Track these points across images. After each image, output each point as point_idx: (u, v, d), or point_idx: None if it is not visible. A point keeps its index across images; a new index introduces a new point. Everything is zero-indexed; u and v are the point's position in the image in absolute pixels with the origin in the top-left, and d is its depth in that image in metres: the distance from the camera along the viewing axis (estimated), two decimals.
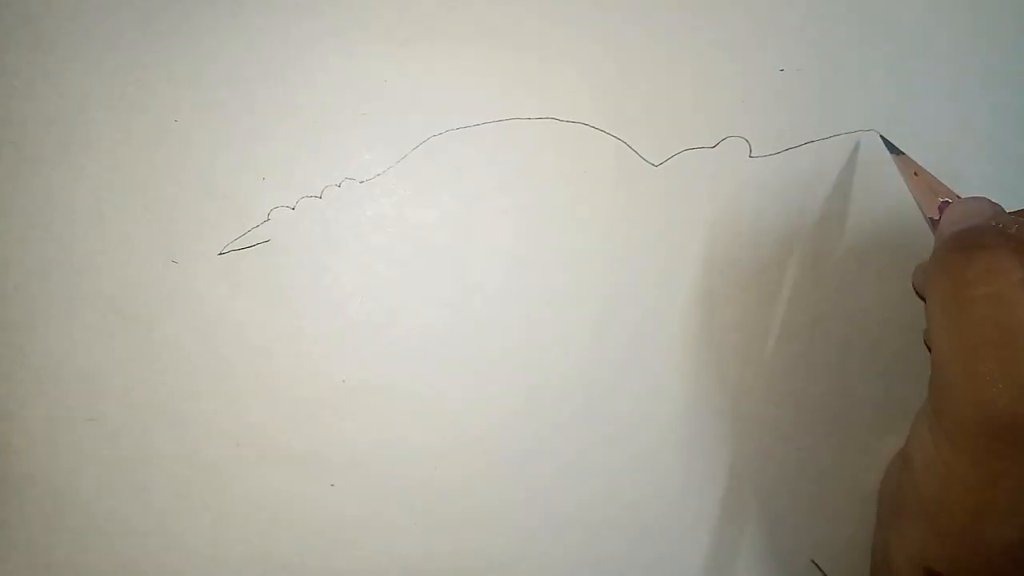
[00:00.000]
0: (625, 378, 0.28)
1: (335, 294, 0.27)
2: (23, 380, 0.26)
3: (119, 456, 0.27)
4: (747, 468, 0.29)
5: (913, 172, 0.27)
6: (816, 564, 0.28)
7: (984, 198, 0.24)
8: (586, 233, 0.28)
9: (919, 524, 0.24)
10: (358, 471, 0.27)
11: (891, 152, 0.28)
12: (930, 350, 0.23)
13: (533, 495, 0.28)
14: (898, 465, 0.26)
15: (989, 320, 0.21)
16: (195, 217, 0.27)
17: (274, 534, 0.27)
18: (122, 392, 0.27)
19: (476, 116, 0.27)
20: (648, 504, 0.29)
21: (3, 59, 0.26)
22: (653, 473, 0.29)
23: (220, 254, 0.27)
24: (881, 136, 0.28)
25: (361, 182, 0.27)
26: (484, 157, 0.27)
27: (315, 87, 0.27)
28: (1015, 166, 0.29)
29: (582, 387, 0.28)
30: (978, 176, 0.29)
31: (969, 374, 0.22)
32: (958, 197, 0.26)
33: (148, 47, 0.26)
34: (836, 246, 0.29)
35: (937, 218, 0.25)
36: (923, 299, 0.24)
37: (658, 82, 0.28)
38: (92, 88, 0.26)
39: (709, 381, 0.28)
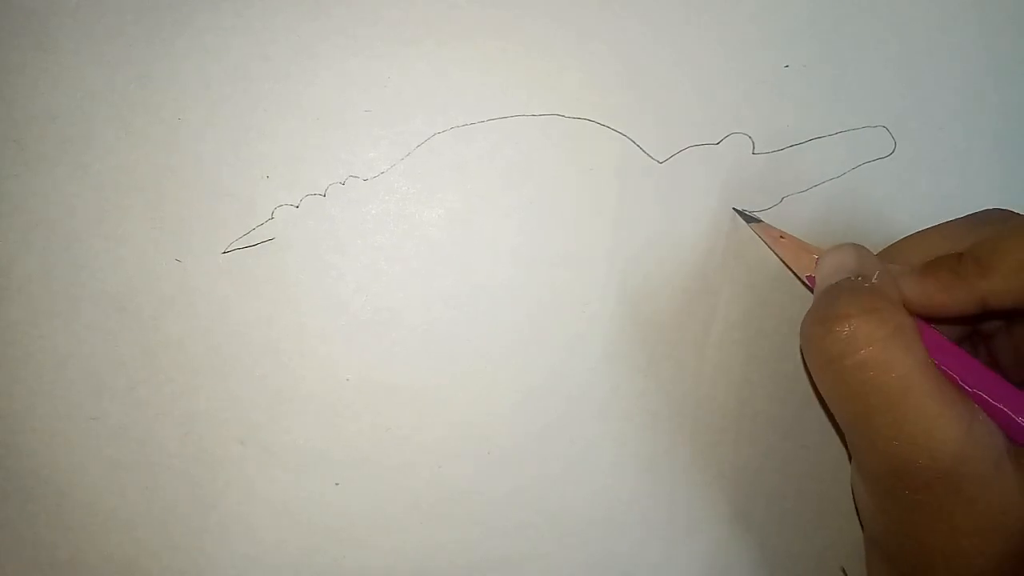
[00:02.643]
0: (630, 376, 0.28)
1: (339, 292, 0.27)
2: (26, 379, 0.26)
3: (122, 455, 0.27)
4: (754, 466, 0.29)
5: (779, 236, 0.27)
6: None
7: (849, 246, 0.24)
8: (590, 230, 0.28)
9: (885, 567, 0.24)
10: (363, 469, 0.27)
11: (748, 222, 0.28)
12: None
13: (539, 493, 0.28)
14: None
15: (865, 386, 0.22)
16: (199, 216, 0.26)
17: (279, 533, 0.27)
18: (125, 391, 0.27)
19: (480, 113, 0.27)
20: (654, 502, 0.29)
21: (6, 57, 0.26)
22: (659, 471, 0.29)
23: (224, 252, 0.26)
24: (735, 209, 0.28)
25: (365, 180, 0.27)
26: (488, 154, 0.27)
27: (319, 85, 0.27)
28: None
29: (588, 385, 0.28)
30: (986, 173, 0.29)
31: (864, 436, 0.22)
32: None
33: (151, 45, 0.26)
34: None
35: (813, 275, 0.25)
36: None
37: (662, 78, 0.28)
38: (95, 86, 0.26)
39: (714, 379, 0.28)
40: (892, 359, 0.21)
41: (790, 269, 0.27)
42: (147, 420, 0.27)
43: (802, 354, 0.28)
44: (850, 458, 0.25)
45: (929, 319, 0.24)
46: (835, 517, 0.29)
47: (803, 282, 0.27)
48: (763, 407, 0.29)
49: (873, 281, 0.23)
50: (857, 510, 0.27)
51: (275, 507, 0.27)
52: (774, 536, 0.29)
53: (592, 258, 0.28)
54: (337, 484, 0.27)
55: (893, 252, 0.26)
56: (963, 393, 0.22)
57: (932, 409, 0.21)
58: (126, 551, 0.27)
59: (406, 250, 0.27)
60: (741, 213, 0.28)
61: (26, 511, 0.27)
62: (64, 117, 0.26)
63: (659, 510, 0.29)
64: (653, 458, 0.29)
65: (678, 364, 0.28)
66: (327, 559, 0.28)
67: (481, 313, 0.27)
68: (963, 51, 0.29)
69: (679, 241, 0.28)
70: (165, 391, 0.27)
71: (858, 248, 0.24)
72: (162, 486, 0.27)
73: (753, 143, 0.28)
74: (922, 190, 0.29)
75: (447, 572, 0.28)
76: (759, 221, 0.27)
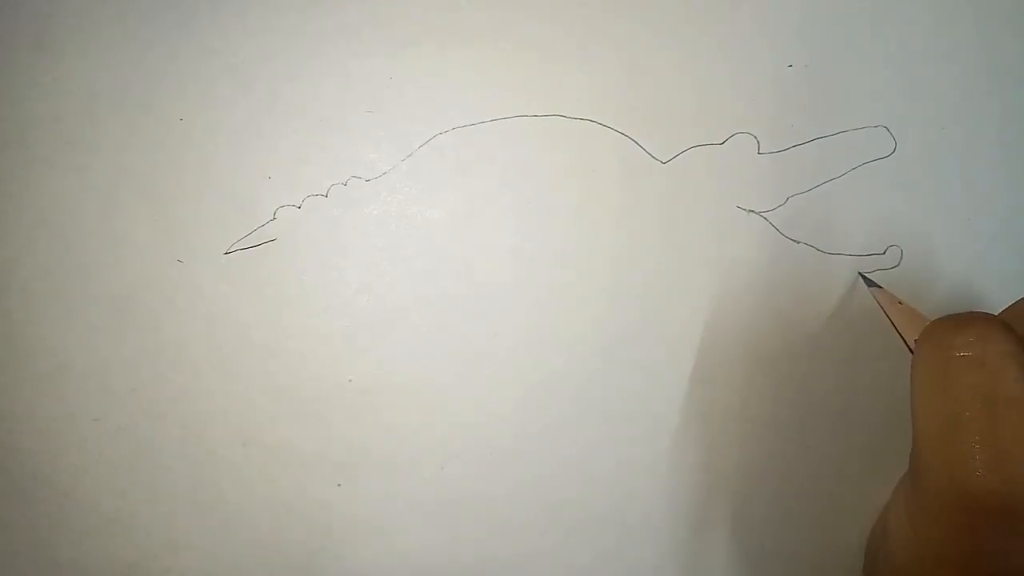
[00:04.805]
0: (633, 377, 0.28)
1: (342, 293, 0.27)
2: (28, 380, 0.26)
3: (125, 456, 0.27)
4: (756, 468, 0.29)
5: (898, 302, 0.27)
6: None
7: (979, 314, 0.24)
8: (593, 231, 0.28)
9: None
10: (365, 471, 0.27)
11: (869, 287, 0.27)
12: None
13: (541, 493, 0.28)
14: (877, 534, 0.26)
15: (971, 388, 0.21)
16: (201, 216, 0.26)
17: (281, 534, 0.27)
18: (128, 392, 0.27)
19: (482, 114, 0.27)
20: (657, 503, 0.29)
21: (8, 58, 0.26)
22: (663, 472, 0.29)
23: (226, 253, 0.26)
24: (861, 274, 0.28)
25: (367, 181, 0.27)
26: (490, 155, 0.27)
27: (321, 86, 0.27)
28: None
29: (590, 386, 0.28)
30: (987, 173, 0.29)
31: (947, 445, 0.22)
32: None
33: (154, 46, 0.26)
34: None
35: None
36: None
37: (665, 79, 0.28)
38: (98, 87, 0.26)
39: (717, 380, 0.28)
40: (1010, 372, 0.21)
41: (899, 333, 0.27)
42: (149, 421, 0.27)
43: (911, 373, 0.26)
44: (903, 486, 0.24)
45: None
46: (838, 518, 0.29)
47: (908, 347, 0.27)
48: (766, 408, 0.29)
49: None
50: (880, 537, 0.26)
51: (277, 508, 0.27)
52: (776, 537, 0.29)
53: (594, 259, 0.28)
54: (339, 485, 0.27)
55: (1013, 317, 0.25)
56: None
57: None
58: (128, 553, 0.27)
59: (408, 250, 0.27)
60: (866, 278, 0.28)
61: (28, 512, 0.27)
62: (67, 118, 0.26)
63: (661, 510, 0.29)
64: (655, 458, 0.29)
65: (681, 365, 0.28)
66: (329, 560, 0.27)
67: (483, 313, 0.27)
68: (964, 51, 0.29)
69: (682, 242, 0.28)
70: (167, 392, 0.27)
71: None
72: (164, 487, 0.27)
73: (758, 143, 0.28)
74: (922, 190, 0.29)
75: (450, 572, 0.28)
76: (880, 288, 0.27)
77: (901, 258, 0.28)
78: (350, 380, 0.27)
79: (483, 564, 0.28)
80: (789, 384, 0.29)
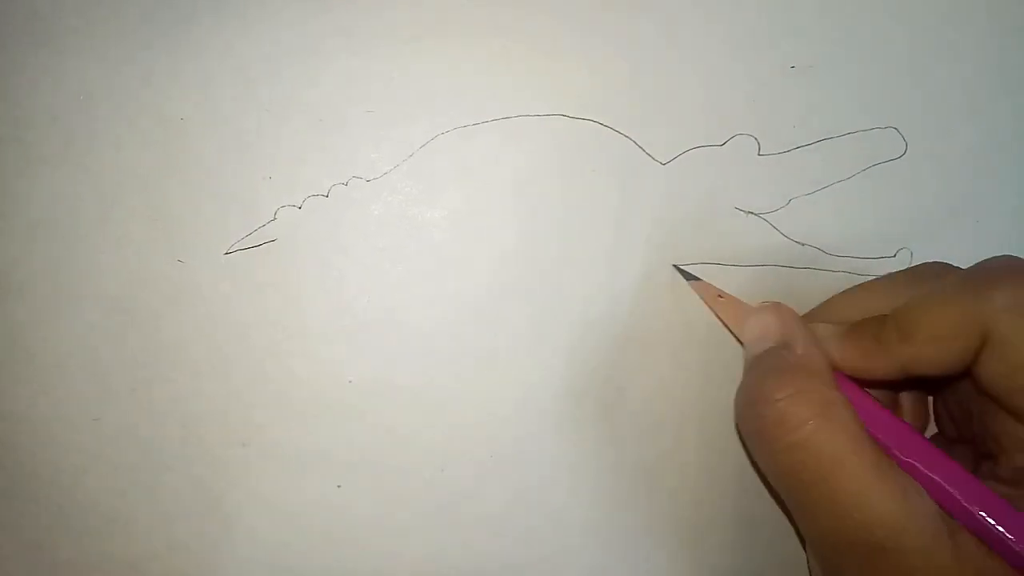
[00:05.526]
0: (634, 378, 0.28)
1: (342, 294, 0.27)
2: (28, 380, 0.26)
3: (125, 457, 0.27)
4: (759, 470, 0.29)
5: (717, 295, 0.27)
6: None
7: (770, 311, 0.24)
8: (593, 232, 0.28)
9: None
10: (365, 472, 0.27)
11: (687, 279, 0.27)
12: None
13: (541, 496, 0.28)
14: None
15: (798, 466, 0.22)
16: (201, 216, 0.26)
17: (281, 535, 0.27)
18: (127, 392, 0.27)
19: (484, 114, 0.27)
20: (658, 506, 0.29)
21: (7, 57, 0.26)
22: (663, 475, 0.29)
23: (226, 253, 0.26)
24: (676, 266, 0.28)
25: (368, 181, 0.27)
26: (492, 155, 0.27)
27: (321, 85, 0.27)
28: None
29: (591, 387, 0.28)
30: (1000, 174, 0.29)
31: (802, 512, 0.22)
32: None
33: (153, 45, 0.26)
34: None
35: None
36: None
37: (666, 79, 0.28)
38: (97, 86, 0.26)
39: (720, 381, 0.28)
40: (823, 439, 0.21)
41: (728, 329, 0.27)
42: (149, 421, 0.27)
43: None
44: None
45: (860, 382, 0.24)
46: None
47: (738, 339, 0.27)
48: None
49: (799, 352, 0.23)
50: None
51: (277, 509, 0.27)
52: (779, 541, 0.29)
53: (595, 260, 0.28)
54: (339, 486, 0.27)
55: (830, 307, 0.26)
56: (898, 465, 0.22)
57: (865, 483, 0.21)
58: (128, 553, 0.27)
59: (409, 251, 0.27)
60: (681, 270, 0.27)
61: (28, 513, 0.27)
62: (66, 117, 0.26)
63: (663, 514, 0.29)
64: (657, 461, 0.28)
65: (683, 366, 0.28)
66: (329, 561, 0.27)
67: (484, 314, 0.27)
68: (974, 49, 0.28)
69: (682, 243, 0.28)
70: (167, 392, 0.27)
71: (780, 312, 0.24)
72: (164, 487, 0.27)
73: (759, 144, 0.28)
74: (934, 192, 0.29)
75: (449, 574, 0.28)
76: (698, 279, 0.27)
77: (911, 261, 0.28)
78: (350, 381, 0.27)
79: (483, 567, 0.28)
80: None
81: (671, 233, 0.28)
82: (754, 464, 0.28)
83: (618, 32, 0.27)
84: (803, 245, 0.28)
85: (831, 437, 0.21)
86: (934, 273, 0.24)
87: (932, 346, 0.22)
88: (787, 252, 0.28)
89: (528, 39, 0.27)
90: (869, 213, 0.28)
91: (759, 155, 0.28)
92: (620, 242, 0.28)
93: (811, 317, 0.26)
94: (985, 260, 0.23)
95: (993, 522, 0.21)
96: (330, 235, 0.27)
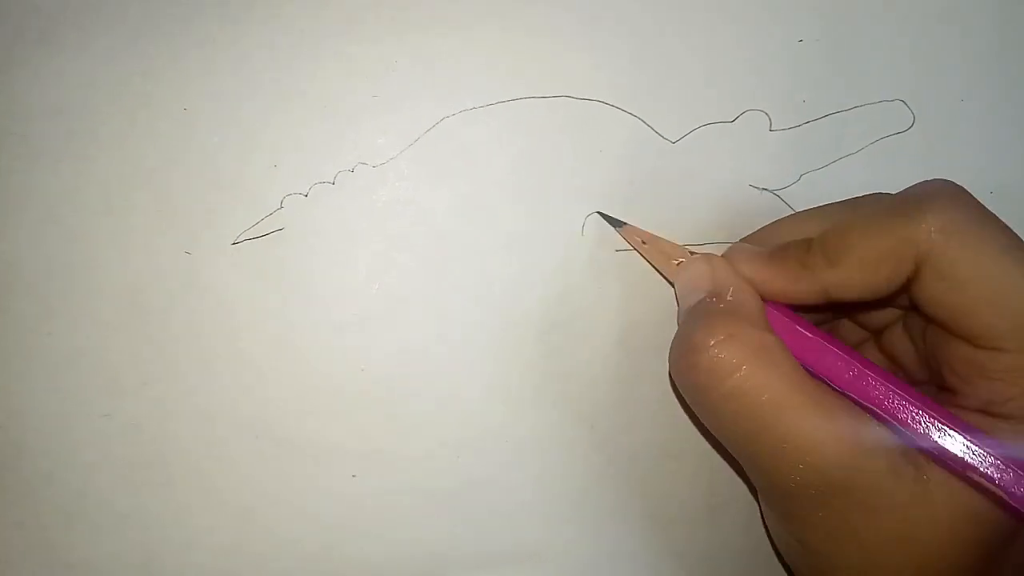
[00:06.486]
0: (649, 362, 0.28)
1: (351, 281, 0.27)
2: (37, 377, 0.26)
3: (137, 452, 0.26)
4: None
5: (641, 241, 0.26)
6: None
7: (700, 261, 0.24)
8: (603, 213, 0.27)
9: None
10: (379, 461, 0.27)
11: (614, 227, 0.27)
12: None
13: (557, 482, 0.28)
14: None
15: (738, 415, 0.21)
16: (207, 207, 0.26)
17: (296, 527, 0.27)
18: (137, 387, 0.26)
19: (489, 96, 0.27)
20: (675, 490, 0.28)
21: (9, 51, 0.26)
22: (681, 459, 0.28)
23: (233, 244, 0.26)
24: (600, 213, 0.27)
25: (374, 167, 0.26)
26: (498, 137, 0.27)
27: (325, 72, 0.26)
28: None
29: (605, 372, 0.28)
30: (1009, 146, 0.28)
31: (750, 461, 0.22)
32: (690, 254, 0.25)
33: (155, 36, 0.26)
34: None
35: None
36: None
37: (673, 56, 0.27)
38: (99, 79, 0.26)
39: None
40: (759, 383, 0.20)
41: (662, 274, 0.27)
42: (160, 416, 0.26)
43: (671, 381, 0.27)
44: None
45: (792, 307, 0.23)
46: None
47: (668, 280, 0.26)
48: None
49: (728, 299, 0.22)
50: (769, 538, 0.26)
51: (291, 501, 0.27)
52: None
53: (604, 242, 0.27)
54: (354, 476, 0.27)
55: (763, 233, 0.25)
56: (845, 399, 0.21)
57: (810, 424, 0.20)
58: (141, 550, 0.27)
59: (417, 236, 0.27)
60: (607, 217, 0.27)
61: (40, 511, 0.26)
62: (69, 111, 0.26)
63: (680, 498, 0.28)
64: (673, 445, 0.28)
65: None
66: (345, 552, 0.27)
67: (495, 299, 0.27)
68: (983, 19, 0.28)
69: (694, 222, 0.28)
70: (177, 386, 0.26)
71: (710, 261, 0.23)
72: (176, 482, 0.27)
73: (770, 120, 0.28)
74: (943, 165, 0.28)
75: (466, 563, 0.28)
76: (624, 224, 0.27)
77: None
78: (362, 369, 0.27)
79: (498, 555, 0.28)
80: None
81: (682, 212, 0.27)
82: (699, 424, 0.28)
83: (623, 9, 0.27)
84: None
85: (767, 380, 0.20)
86: (871, 200, 0.24)
87: (859, 270, 0.21)
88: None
89: (532, 20, 0.27)
90: (879, 186, 0.28)
91: (770, 131, 0.28)
92: (630, 222, 0.27)
93: (746, 241, 0.25)
94: (916, 184, 0.22)
95: (961, 447, 0.20)
96: (337, 222, 0.26)
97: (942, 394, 0.23)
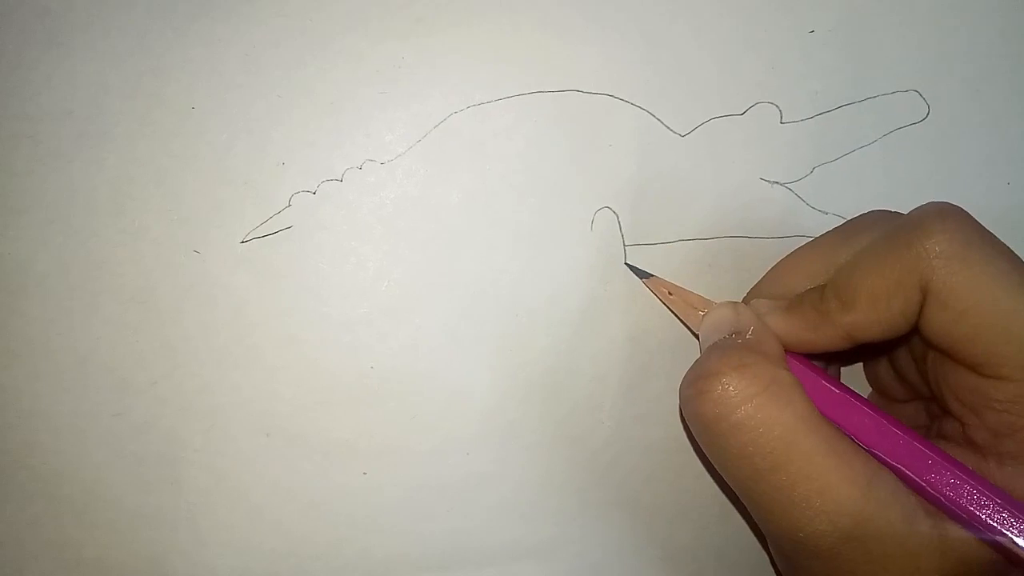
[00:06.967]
0: (658, 355, 0.28)
1: (360, 279, 0.26)
2: (47, 377, 0.26)
3: (147, 451, 0.26)
4: None
5: (668, 292, 0.26)
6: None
7: (725, 305, 0.23)
8: (611, 208, 0.27)
9: None
10: (390, 458, 0.27)
11: (640, 278, 0.27)
12: None
13: (567, 478, 0.28)
14: None
15: (747, 448, 0.20)
16: (215, 206, 0.26)
17: (307, 525, 0.27)
18: (147, 385, 0.26)
19: (497, 91, 0.27)
20: (685, 485, 0.28)
21: (19, 53, 0.26)
22: (690, 453, 0.28)
23: (242, 242, 0.26)
24: (628, 264, 0.27)
25: (382, 163, 0.26)
26: (507, 132, 0.27)
27: (332, 68, 0.26)
28: None
29: (614, 367, 0.27)
30: None
31: (757, 503, 0.21)
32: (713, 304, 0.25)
33: (163, 36, 0.26)
34: None
35: None
36: None
37: (682, 49, 0.27)
38: (108, 79, 0.26)
39: None
40: (770, 417, 0.20)
41: (686, 326, 0.27)
42: (170, 414, 0.26)
43: (682, 419, 0.27)
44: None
45: (812, 356, 0.23)
46: None
47: (693, 333, 0.26)
48: None
49: (748, 336, 0.22)
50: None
51: (302, 499, 0.27)
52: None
53: (613, 236, 0.27)
54: (364, 473, 0.27)
55: (773, 279, 0.25)
56: (858, 446, 0.20)
57: (822, 467, 0.19)
58: (153, 548, 0.27)
59: (426, 233, 0.27)
60: (634, 269, 0.27)
61: (52, 510, 0.26)
62: (79, 111, 0.26)
63: (690, 493, 0.28)
64: (683, 439, 0.28)
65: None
66: (356, 549, 0.27)
67: (504, 295, 0.27)
68: (997, 7, 0.28)
69: (704, 216, 0.27)
70: (187, 385, 0.26)
71: (735, 305, 0.23)
72: (188, 481, 0.27)
73: (780, 112, 0.27)
74: (958, 156, 0.28)
75: (476, 559, 0.28)
76: (651, 276, 0.27)
77: None
78: (372, 367, 0.27)
79: (509, 550, 0.28)
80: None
81: (692, 206, 0.27)
82: (711, 469, 0.27)
83: (631, 2, 0.27)
84: (827, 214, 0.28)
85: (779, 415, 0.20)
86: (869, 224, 0.23)
87: (873, 309, 0.21)
88: (812, 221, 0.28)
89: (541, 14, 0.27)
90: (893, 178, 0.28)
91: (781, 123, 0.27)
92: (639, 217, 0.27)
93: (755, 292, 0.25)
94: (914, 209, 0.22)
95: (979, 507, 0.19)
96: (346, 220, 0.26)
97: (947, 421, 0.23)
